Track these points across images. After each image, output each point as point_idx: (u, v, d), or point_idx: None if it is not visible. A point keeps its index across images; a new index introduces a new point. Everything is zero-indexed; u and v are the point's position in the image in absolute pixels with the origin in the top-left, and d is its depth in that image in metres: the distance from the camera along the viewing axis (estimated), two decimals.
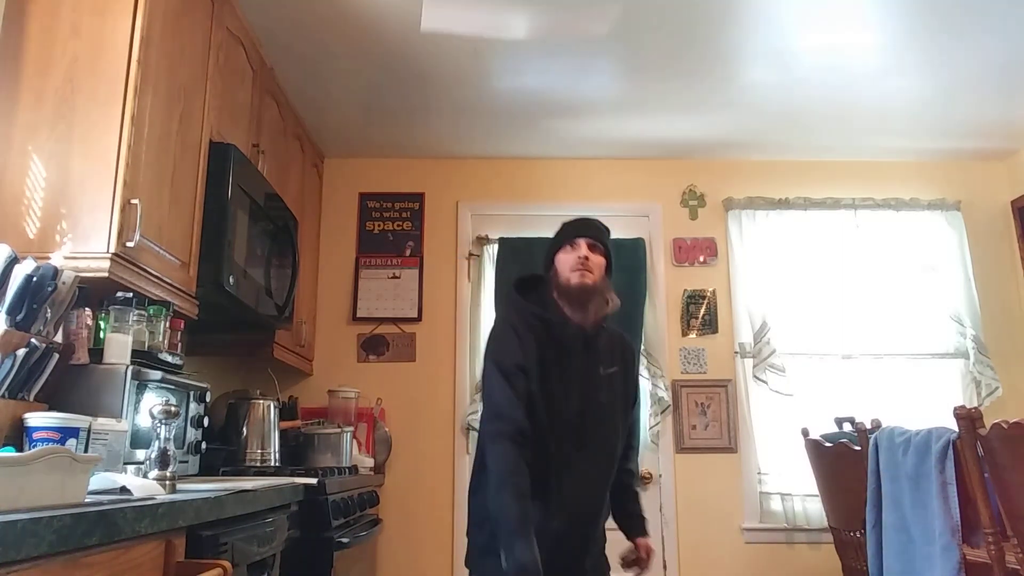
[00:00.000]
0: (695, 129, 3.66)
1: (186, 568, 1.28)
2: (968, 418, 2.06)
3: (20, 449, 1.42)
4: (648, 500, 3.57)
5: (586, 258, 1.80)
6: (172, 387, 1.94)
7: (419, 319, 3.75)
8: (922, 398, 3.63)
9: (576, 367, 1.80)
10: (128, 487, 1.35)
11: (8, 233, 1.73)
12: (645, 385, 3.66)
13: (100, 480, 1.36)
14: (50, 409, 1.54)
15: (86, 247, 1.74)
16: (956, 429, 2.11)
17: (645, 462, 3.62)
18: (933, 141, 3.80)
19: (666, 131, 3.68)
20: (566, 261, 1.82)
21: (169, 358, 1.98)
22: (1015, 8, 2.66)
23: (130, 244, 1.77)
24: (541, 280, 1.91)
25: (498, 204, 3.92)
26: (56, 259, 1.70)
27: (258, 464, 2.67)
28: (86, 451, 1.48)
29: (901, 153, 3.93)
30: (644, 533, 1.95)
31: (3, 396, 1.48)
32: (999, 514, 2.01)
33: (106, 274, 1.73)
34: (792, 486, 3.56)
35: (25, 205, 1.76)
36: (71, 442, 1.44)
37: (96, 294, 1.79)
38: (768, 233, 3.85)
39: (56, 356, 1.59)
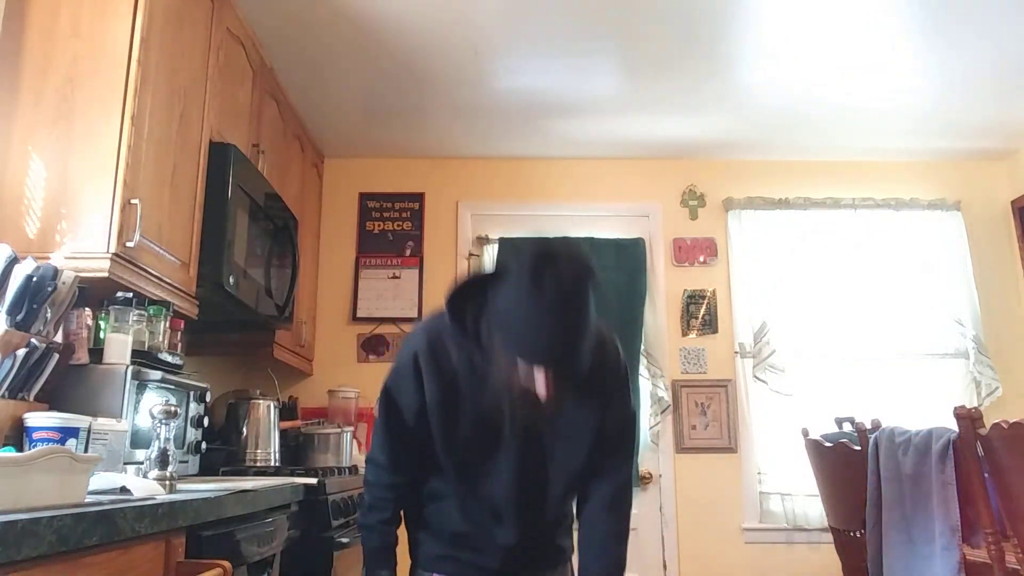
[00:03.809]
0: (695, 129, 3.66)
1: (186, 568, 1.28)
2: (968, 418, 2.06)
3: (20, 449, 1.42)
4: (648, 500, 3.58)
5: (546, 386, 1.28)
6: (172, 387, 1.94)
7: (419, 319, 3.75)
8: (922, 398, 3.63)
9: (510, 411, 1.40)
10: (128, 487, 1.35)
11: (8, 233, 1.72)
12: (645, 385, 3.67)
13: (100, 480, 1.36)
14: (50, 409, 1.54)
15: (86, 247, 1.74)
16: (956, 429, 2.11)
17: (645, 462, 3.62)
18: (933, 141, 3.79)
19: (666, 131, 3.68)
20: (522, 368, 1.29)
21: (169, 358, 1.98)
22: (1014, 9, 2.66)
23: (130, 244, 1.77)
24: (486, 288, 1.35)
25: (498, 204, 3.92)
26: (56, 259, 1.70)
27: (258, 464, 2.67)
28: (86, 451, 1.48)
29: (901, 153, 3.93)
30: None
31: (3, 396, 1.48)
32: (999, 514, 2.01)
33: (106, 274, 1.73)
34: (792, 486, 3.56)
35: (25, 205, 1.76)
36: (71, 442, 1.44)
37: (96, 294, 1.79)
38: (768, 233, 3.85)
39: (56, 356, 1.59)
